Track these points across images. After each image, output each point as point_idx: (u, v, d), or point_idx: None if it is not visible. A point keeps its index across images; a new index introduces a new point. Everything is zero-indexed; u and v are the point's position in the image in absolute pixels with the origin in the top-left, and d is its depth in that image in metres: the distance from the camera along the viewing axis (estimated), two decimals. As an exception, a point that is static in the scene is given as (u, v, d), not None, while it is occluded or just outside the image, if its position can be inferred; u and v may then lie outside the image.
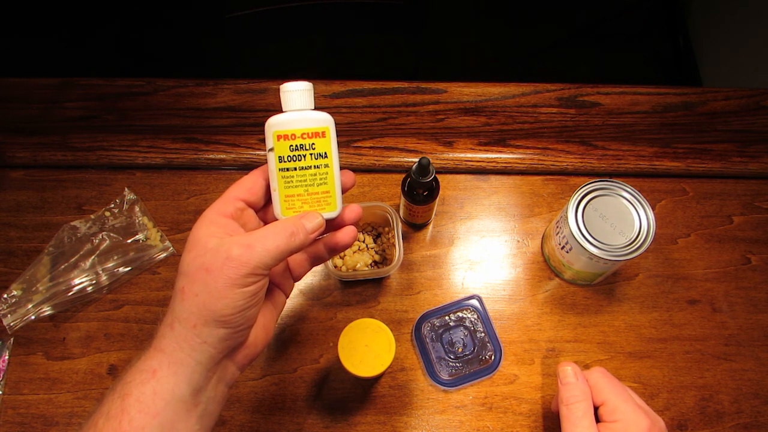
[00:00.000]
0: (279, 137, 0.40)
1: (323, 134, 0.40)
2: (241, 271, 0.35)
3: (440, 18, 1.68)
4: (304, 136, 0.40)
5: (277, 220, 0.41)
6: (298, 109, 0.40)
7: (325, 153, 0.41)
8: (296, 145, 0.40)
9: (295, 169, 0.40)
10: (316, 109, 0.41)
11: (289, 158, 0.40)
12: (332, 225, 0.43)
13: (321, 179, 0.41)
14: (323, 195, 0.41)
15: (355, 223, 0.44)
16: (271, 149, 0.40)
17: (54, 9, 1.55)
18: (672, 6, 1.71)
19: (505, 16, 1.72)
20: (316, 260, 0.44)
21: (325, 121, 0.40)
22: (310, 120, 0.40)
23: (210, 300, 0.35)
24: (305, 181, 0.41)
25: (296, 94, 0.40)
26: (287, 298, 0.44)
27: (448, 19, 1.70)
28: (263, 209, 0.42)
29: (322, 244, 0.43)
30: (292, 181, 0.40)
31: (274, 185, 0.40)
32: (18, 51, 1.52)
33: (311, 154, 0.40)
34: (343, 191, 0.42)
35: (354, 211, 0.43)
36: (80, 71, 0.73)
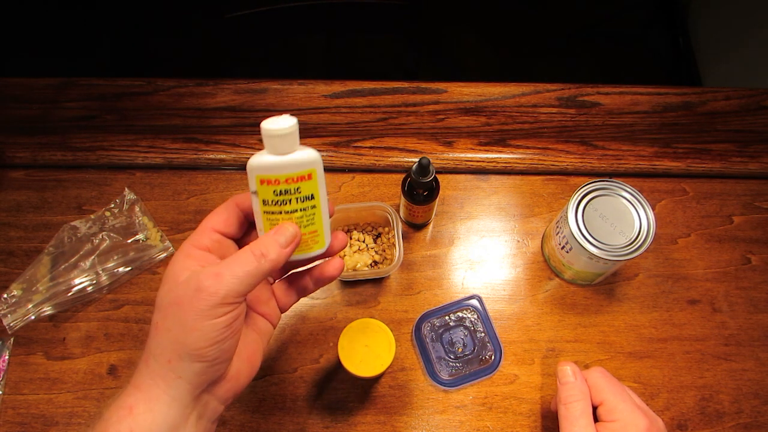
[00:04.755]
0: (262, 181, 0.37)
1: (309, 176, 0.38)
2: (211, 302, 0.34)
3: (440, 18, 1.68)
4: (289, 180, 0.37)
5: None
6: (281, 153, 0.36)
7: (312, 195, 0.38)
8: (281, 190, 0.37)
9: (281, 212, 0.38)
10: (302, 143, 0.37)
11: (273, 202, 0.38)
12: (319, 255, 0.42)
13: (308, 221, 0.39)
14: (311, 235, 0.40)
15: (340, 249, 0.43)
16: (255, 192, 0.37)
17: (55, 8, 1.55)
18: (672, 6, 1.71)
19: (505, 16, 1.72)
20: (302, 291, 0.43)
21: (311, 163, 0.37)
22: (295, 165, 0.37)
23: (182, 334, 0.34)
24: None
25: (278, 139, 0.36)
26: (274, 328, 0.43)
27: (448, 19, 1.70)
28: (244, 238, 0.41)
29: (308, 277, 0.43)
30: (277, 224, 0.38)
31: (259, 225, 0.39)
32: (19, 51, 1.52)
33: (297, 198, 0.38)
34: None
35: (341, 240, 0.42)
36: (81, 71, 0.73)
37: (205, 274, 0.34)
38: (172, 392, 0.35)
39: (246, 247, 0.36)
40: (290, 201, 0.38)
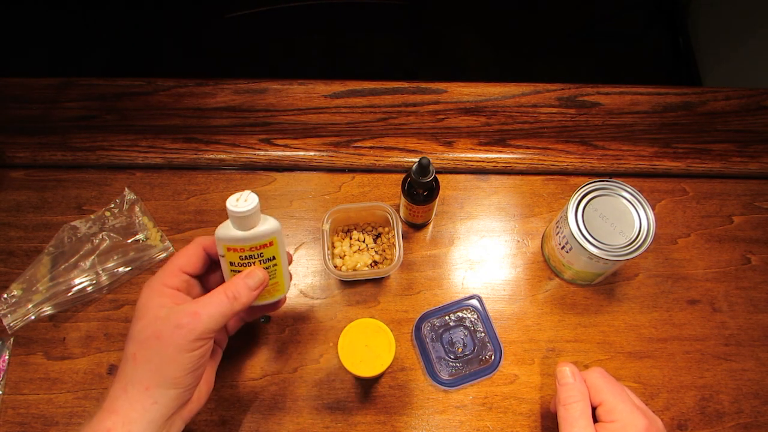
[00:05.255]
0: (229, 249, 0.42)
1: (270, 243, 0.43)
2: (190, 337, 0.39)
3: (440, 18, 1.68)
4: (252, 249, 0.43)
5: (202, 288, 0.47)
6: (245, 230, 0.42)
7: (273, 257, 0.44)
8: (246, 256, 0.43)
9: None
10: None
11: (240, 264, 0.43)
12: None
13: (271, 275, 0.45)
14: (272, 286, 0.46)
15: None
16: (222, 256, 0.43)
17: (55, 8, 1.55)
18: (672, 6, 1.71)
19: (505, 16, 1.72)
20: (249, 317, 0.51)
21: (271, 233, 0.43)
22: (257, 237, 0.42)
23: (162, 365, 0.39)
24: None
25: (242, 219, 0.41)
26: (223, 350, 0.49)
27: (448, 19, 1.70)
28: (206, 276, 0.47)
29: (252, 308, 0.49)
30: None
31: (227, 278, 0.44)
32: (19, 51, 1.52)
33: (260, 260, 0.44)
34: None
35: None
36: (81, 71, 0.73)
37: (184, 313, 0.39)
38: (148, 416, 0.39)
39: (219, 289, 0.42)
40: (254, 263, 0.44)
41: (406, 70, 1.47)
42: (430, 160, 0.53)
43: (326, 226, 0.57)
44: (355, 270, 0.59)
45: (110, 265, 0.60)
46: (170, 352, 0.38)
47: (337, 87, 0.71)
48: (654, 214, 0.53)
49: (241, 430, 0.54)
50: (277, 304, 0.50)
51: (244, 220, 0.41)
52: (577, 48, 1.70)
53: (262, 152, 0.66)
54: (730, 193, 0.66)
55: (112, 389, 0.40)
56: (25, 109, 0.70)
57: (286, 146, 0.67)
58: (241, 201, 0.41)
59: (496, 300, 0.60)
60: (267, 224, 0.43)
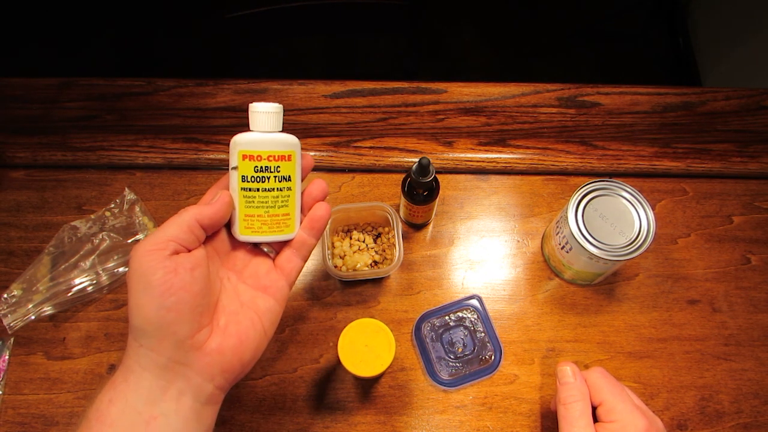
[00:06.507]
0: (244, 157, 0.39)
1: (289, 158, 0.40)
2: (137, 252, 0.35)
3: (440, 18, 1.68)
4: (270, 158, 0.40)
5: (235, 237, 0.41)
6: (267, 130, 0.40)
7: (289, 176, 0.41)
8: (261, 167, 0.40)
9: (258, 190, 0.40)
10: (283, 131, 0.41)
11: (252, 179, 0.40)
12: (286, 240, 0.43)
13: (282, 202, 0.41)
14: (283, 217, 0.41)
15: (324, 198, 0.43)
16: (235, 168, 0.40)
17: (55, 9, 1.55)
18: (672, 6, 1.71)
19: (505, 16, 1.72)
20: (302, 248, 0.42)
21: (292, 144, 0.40)
22: (278, 142, 0.40)
23: (132, 301, 0.35)
24: (267, 202, 0.40)
25: (266, 115, 0.39)
26: (279, 304, 0.41)
27: (448, 19, 1.70)
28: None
29: (302, 231, 0.42)
30: (253, 202, 0.40)
31: (235, 203, 0.40)
32: (19, 51, 1.52)
33: (275, 177, 0.40)
34: (304, 171, 0.43)
35: (319, 186, 0.43)
36: (81, 71, 0.73)
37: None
38: (141, 361, 0.35)
39: None
40: (269, 179, 0.40)
41: (406, 70, 1.47)
42: (430, 160, 0.53)
43: (326, 226, 0.57)
44: (355, 270, 0.59)
45: (110, 265, 0.60)
46: (132, 283, 0.35)
47: (337, 87, 0.71)
48: (654, 214, 0.53)
49: (241, 430, 0.54)
50: (309, 213, 0.43)
51: (266, 118, 0.39)
52: (577, 48, 1.70)
53: (262, 152, 0.66)
54: (730, 193, 0.66)
55: None
56: (25, 109, 0.70)
57: (286, 146, 0.67)
58: (266, 103, 0.39)
59: (496, 300, 0.60)
60: (288, 135, 0.40)
